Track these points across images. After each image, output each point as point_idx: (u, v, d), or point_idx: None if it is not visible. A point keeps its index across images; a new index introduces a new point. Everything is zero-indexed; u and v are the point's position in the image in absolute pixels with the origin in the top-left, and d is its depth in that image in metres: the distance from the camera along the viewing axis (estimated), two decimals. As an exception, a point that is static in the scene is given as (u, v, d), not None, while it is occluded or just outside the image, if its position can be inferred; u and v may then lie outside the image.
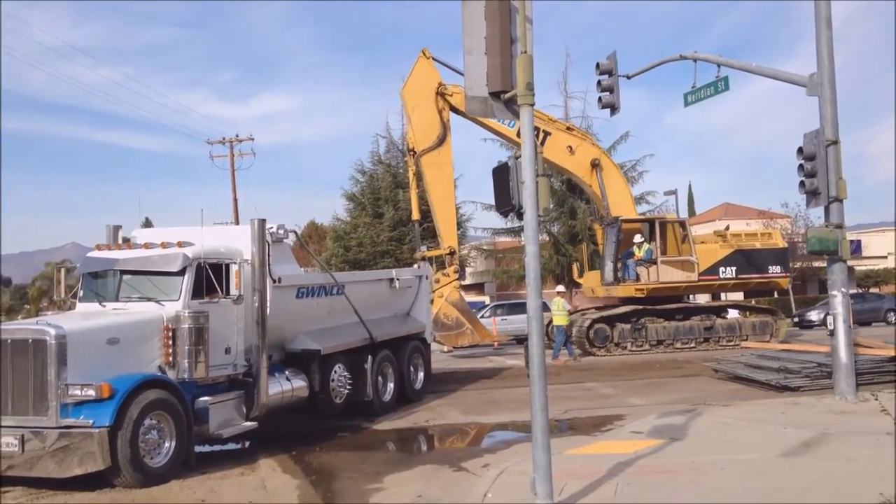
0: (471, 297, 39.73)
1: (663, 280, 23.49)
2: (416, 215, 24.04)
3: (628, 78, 18.12)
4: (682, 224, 25.02)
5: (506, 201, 7.41)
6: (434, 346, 19.14)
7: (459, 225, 34.96)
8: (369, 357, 13.81)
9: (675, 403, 13.48)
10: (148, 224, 47.33)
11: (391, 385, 14.66)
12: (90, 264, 11.23)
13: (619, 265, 23.61)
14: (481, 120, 21.42)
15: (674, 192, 40.57)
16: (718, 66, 15.99)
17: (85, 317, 10.35)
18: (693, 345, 23.44)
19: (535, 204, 6.88)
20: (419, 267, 17.88)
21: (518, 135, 23.82)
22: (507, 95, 7.04)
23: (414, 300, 16.58)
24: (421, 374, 16.06)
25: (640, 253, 23.53)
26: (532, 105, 6.98)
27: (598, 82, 17.96)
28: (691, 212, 44.78)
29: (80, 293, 11.26)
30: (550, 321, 24.71)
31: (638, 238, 23.60)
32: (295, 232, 12.97)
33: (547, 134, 23.46)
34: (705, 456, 8.96)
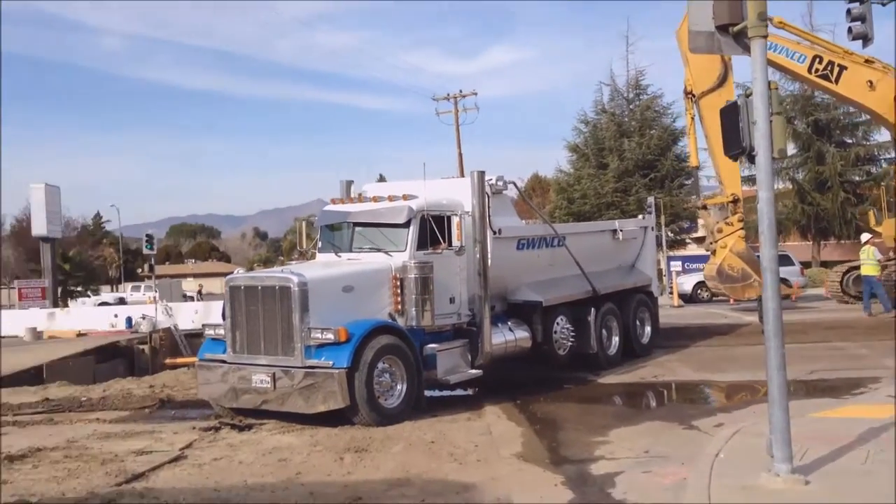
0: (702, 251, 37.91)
1: None
2: (694, 162, 23.01)
3: (883, 5, 15.96)
4: None
5: (735, 144, 6.78)
6: (662, 301, 18.43)
7: (689, 174, 33.23)
8: (592, 310, 13.57)
9: (944, 367, 11.91)
10: (382, 179, 49.81)
11: (616, 339, 14.35)
12: (326, 217, 11.99)
13: None
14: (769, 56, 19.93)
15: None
16: None
17: (323, 266, 11.12)
18: None
19: (769, 146, 6.26)
20: (656, 216, 17.16)
21: (809, 70, 21.77)
22: (736, 28, 6.42)
23: (639, 252, 16.04)
24: (648, 329, 15.56)
25: None
26: (765, 37, 6.34)
27: (848, 11, 15.98)
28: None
29: (319, 244, 12.08)
30: (848, 270, 22.95)
31: None
32: (514, 183, 12.95)
33: (842, 68, 21.25)
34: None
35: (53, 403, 12.23)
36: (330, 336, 9.58)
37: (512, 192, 13.18)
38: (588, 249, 14.09)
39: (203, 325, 12.20)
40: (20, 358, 18.39)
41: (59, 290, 41.67)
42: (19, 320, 26.90)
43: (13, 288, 40.66)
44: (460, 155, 42.99)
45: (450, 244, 11.07)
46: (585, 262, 13.70)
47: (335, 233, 11.85)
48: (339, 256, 11.42)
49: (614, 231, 15.19)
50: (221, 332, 10.55)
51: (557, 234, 13.39)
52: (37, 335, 24.87)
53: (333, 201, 12.20)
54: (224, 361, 10.32)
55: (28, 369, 16.68)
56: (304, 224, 13.16)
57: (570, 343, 13.09)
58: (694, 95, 20.78)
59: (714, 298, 27.79)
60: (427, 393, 10.91)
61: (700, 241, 34.71)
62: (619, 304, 14.52)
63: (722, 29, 6.54)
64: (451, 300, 11.26)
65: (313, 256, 12.32)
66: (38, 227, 34.64)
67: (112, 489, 7.08)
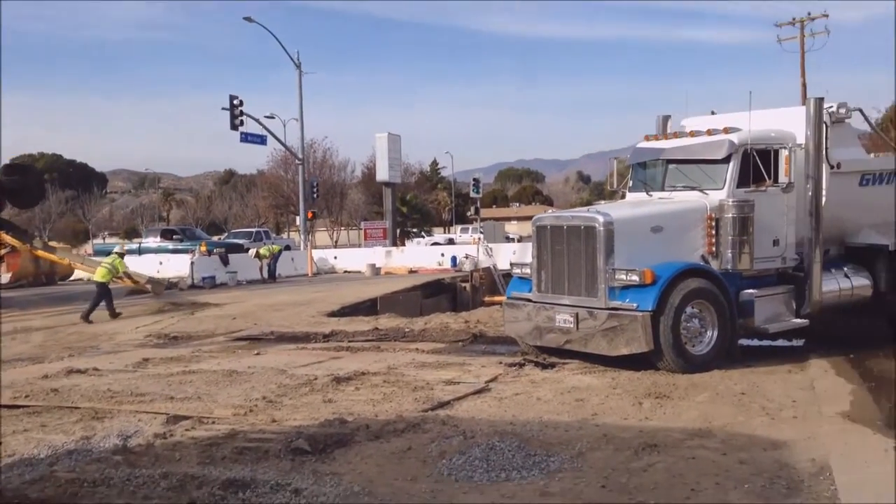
0: None
1: None
2: None
3: None
4: None
5: None
6: None
7: None
8: (959, 257, 11.42)
9: None
10: (713, 114, 46.92)
11: None
12: (639, 155, 11.45)
13: None
14: None
15: None
16: None
17: (632, 206, 10.70)
18: None
19: None
20: None
21: None
22: None
23: None
24: None
25: None
26: None
27: None
28: None
29: (630, 183, 11.61)
30: None
31: None
32: (860, 111, 11.21)
33: None
34: None
35: (381, 333, 13.46)
36: (635, 277, 9.20)
37: (859, 123, 11.45)
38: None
39: (511, 264, 12.45)
40: (360, 291, 20.63)
41: (398, 230, 45.92)
42: (362, 258, 30.20)
43: (361, 228, 45.68)
44: (804, 85, 38.96)
45: (776, 181, 10.01)
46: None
47: (647, 171, 11.28)
48: (650, 196, 10.88)
49: None
50: (528, 271, 10.65)
51: (912, 168, 11.40)
52: (375, 271, 27.73)
53: (647, 138, 11.59)
54: (530, 300, 10.42)
55: (364, 301, 18.69)
56: (615, 163, 12.73)
57: (924, 295, 11.18)
58: None
59: None
60: (743, 342, 10.10)
61: None
62: None
63: None
64: (775, 242, 10.18)
65: (623, 196, 11.89)
66: (381, 173, 38.48)
67: (418, 415, 7.51)
